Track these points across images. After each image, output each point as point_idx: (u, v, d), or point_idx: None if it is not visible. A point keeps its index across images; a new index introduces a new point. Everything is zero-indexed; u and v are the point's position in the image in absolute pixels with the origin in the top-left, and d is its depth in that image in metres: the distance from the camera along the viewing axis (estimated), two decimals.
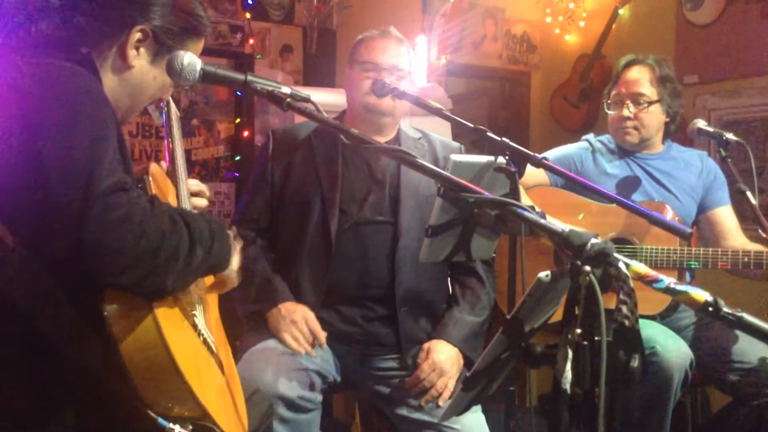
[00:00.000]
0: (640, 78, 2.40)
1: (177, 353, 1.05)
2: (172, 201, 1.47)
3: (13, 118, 1.04)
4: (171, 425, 1.07)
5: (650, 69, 2.40)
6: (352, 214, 2.02)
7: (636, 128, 2.40)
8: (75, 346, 1.06)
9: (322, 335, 1.93)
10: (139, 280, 1.02)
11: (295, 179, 2.06)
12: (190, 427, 1.09)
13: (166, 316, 1.09)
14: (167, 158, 1.57)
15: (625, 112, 2.40)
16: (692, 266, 2.22)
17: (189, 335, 1.20)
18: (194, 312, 1.27)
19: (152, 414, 1.06)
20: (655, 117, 2.41)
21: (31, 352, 1.08)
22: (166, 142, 1.58)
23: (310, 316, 1.94)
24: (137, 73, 1.30)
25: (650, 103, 2.38)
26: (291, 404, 1.79)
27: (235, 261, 1.35)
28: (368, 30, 2.14)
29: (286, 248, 2.07)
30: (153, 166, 1.45)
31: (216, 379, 1.27)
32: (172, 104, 1.62)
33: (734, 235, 2.39)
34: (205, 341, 1.27)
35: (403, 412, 1.94)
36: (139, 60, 1.29)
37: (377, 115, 2.05)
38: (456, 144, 2.20)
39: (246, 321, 2.05)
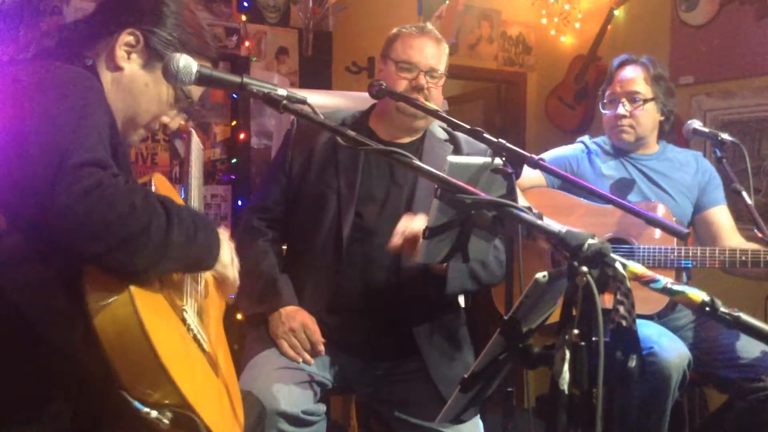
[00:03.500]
0: (635, 77, 2.41)
1: (153, 333, 1.04)
2: None
3: (7, 102, 1.09)
4: (147, 410, 1.05)
5: (644, 68, 2.41)
6: (370, 218, 1.96)
7: (632, 126, 2.41)
8: (60, 330, 1.07)
9: (321, 344, 1.89)
10: (108, 250, 1.03)
11: (314, 173, 2.00)
12: (169, 415, 1.06)
13: (146, 298, 1.08)
14: (183, 184, 1.59)
15: (621, 111, 2.40)
16: (688, 266, 2.23)
17: (174, 325, 1.18)
18: (184, 307, 1.26)
19: (128, 397, 1.05)
20: (650, 115, 2.42)
21: (15, 338, 1.08)
22: (186, 171, 1.60)
23: (310, 323, 1.90)
24: (128, 77, 1.33)
25: (645, 101, 2.39)
26: (294, 420, 1.75)
27: (227, 256, 1.34)
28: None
29: (297, 246, 2.03)
30: (157, 176, 1.45)
31: (204, 374, 1.24)
32: (195, 136, 1.67)
33: (730, 235, 2.39)
34: (195, 338, 1.26)
35: (401, 415, 1.93)
36: (130, 64, 1.32)
37: (411, 117, 1.98)
38: (482, 146, 2.07)
39: (248, 322, 2.02)
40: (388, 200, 1.98)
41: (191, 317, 1.27)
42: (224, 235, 1.34)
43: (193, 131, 1.65)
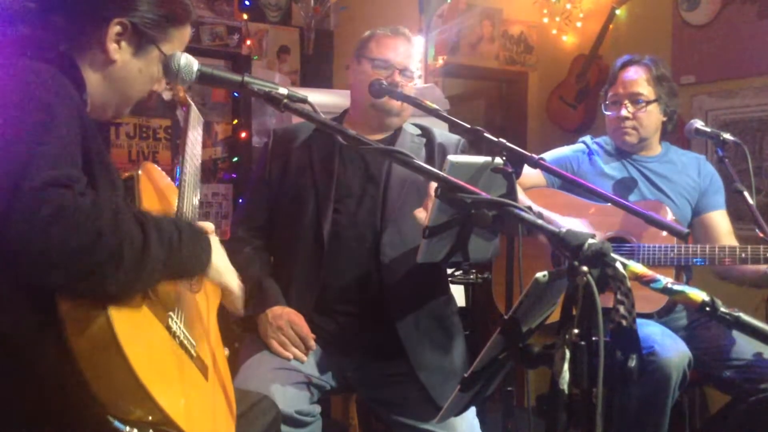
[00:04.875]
0: (638, 78, 2.40)
1: (130, 350, 1.01)
2: (172, 201, 1.45)
3: None
4: (128, 428, 1.02)
5: (647, 69, 2.41)
6: (348, 213, 1.99)
7: (635, 128, 2.41)
8: (34, 347, 1.03)
9: (310, 339, 1.90)
10: (71, 280, 0.98)
11: (292, 178, 2.04)
12: None
13: (124, 313, 1.05)
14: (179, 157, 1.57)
15: (624, 113, 2.40)
16: (702, 263, 2.22)
17: (156, 336, 1.15)
18: (170, 313, 1.23)
19: (107, 416, 1.02)
20: (653, 116, 2.41)
21: None
22: (183, 142, 1.58)
23: (296, 319, 1.91)
24: (121, 67, 1.29)
25: (648, 102, 2.39)
26: (289, 420, 1.76)
27: (221, 262, 1.32)
28: (371, 28, 2.11)
29: (281, 249, 2.06)
30: (147, 164, 1.44)
31: (192, 383, 1.22)
32: (194, 108, 1.65)
33: (726, 239, 2.39)
34: (182, 344, 1.23)
35: (399, 417, 1.92)
36: (122, 54, 1.29)
37: (385, 114, 2.04)
38: (455, 137, 2.13)
39: (237, 327, 2.03)
40: (365, 195, 2.02)
41: (177, 323, 1.24)
42: (216, 241, 1.30)
43: (192, 104, 1.63)
